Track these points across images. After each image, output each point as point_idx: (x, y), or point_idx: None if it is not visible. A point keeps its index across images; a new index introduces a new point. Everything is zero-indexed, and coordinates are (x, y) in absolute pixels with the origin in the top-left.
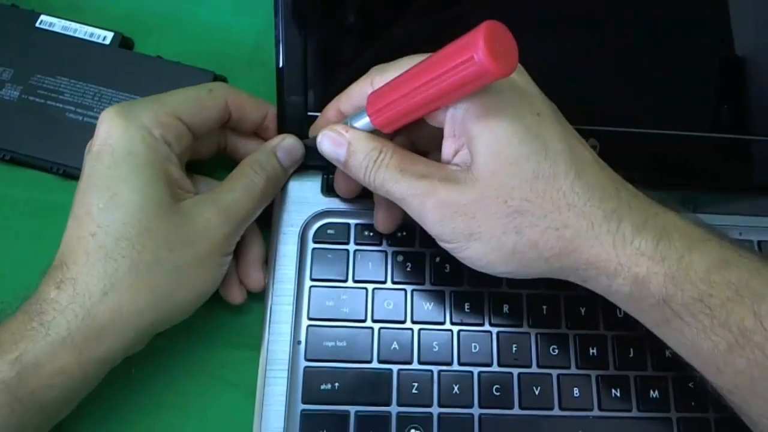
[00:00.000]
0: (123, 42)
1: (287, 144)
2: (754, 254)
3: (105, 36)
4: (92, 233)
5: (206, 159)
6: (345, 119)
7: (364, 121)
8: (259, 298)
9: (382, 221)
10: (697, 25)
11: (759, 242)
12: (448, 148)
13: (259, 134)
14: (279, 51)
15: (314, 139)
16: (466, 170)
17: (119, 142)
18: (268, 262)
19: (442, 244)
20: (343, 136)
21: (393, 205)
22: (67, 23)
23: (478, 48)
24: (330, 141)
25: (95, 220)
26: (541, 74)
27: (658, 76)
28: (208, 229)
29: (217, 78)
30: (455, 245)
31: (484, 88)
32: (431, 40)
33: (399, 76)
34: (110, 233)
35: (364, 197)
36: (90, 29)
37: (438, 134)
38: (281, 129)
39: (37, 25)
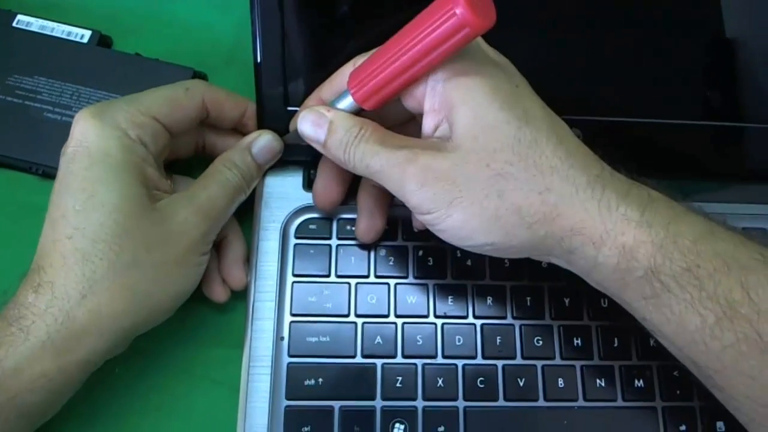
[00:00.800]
0: (101, 40)
1: (262, 140)
2: (735, 228)
3: (83, 34)
4: (68, 236)
5: (185, 158)
6: None
7: (345, 102)
8: (241, 295)
9: (364, 231)
10: (686, 10)
11: (744, 228)
12: (428, 124)
13: (238, 130)
14: (256, 46)
15: (295, 132)
16: (447, 140)
17: (95, 143)
18: (250, 258)
19: (422, 217)
20: (324, 116)
21: (375, 214)
22: (45, 22)
23: (458, 1)
24: (310, 122)
25: (71, 223)
26: (523, 63)
27: (644, 64)
28: (185, 229)
29: (196, 75)
30: (435, 215)
31: (463, 60)
32: None
33: (378, 48)
34: (87, 235)
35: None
36: (67, 28)
37: (419, 129)
38: (260, 124)
39: (13, 24)
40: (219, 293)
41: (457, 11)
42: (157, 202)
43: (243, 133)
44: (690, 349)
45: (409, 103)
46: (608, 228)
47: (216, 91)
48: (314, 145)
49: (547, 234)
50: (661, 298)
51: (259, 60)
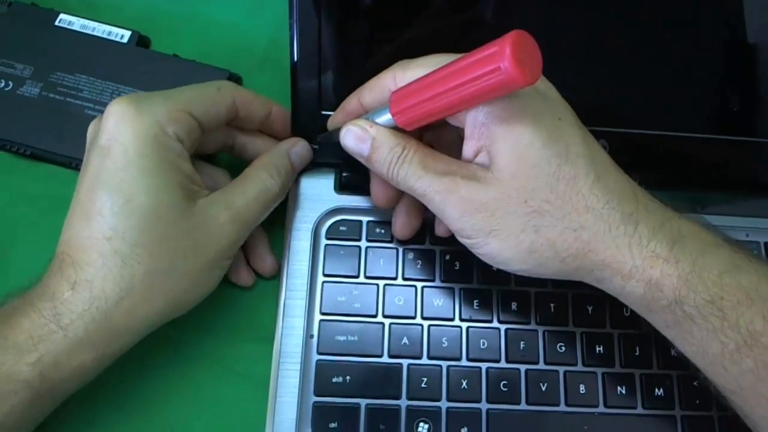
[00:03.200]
0: (140, 40)
1: (300, 147)
2: (762, 260)
3: (122, 35)
4: (107, 237)
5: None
6: (365, 112)
7: (385, 118)
8: (272, 292)
9: (400, 228)
10: (707, 27)
11: (766, 243)
12: (468, 149)
13: (263, 131)
14: (293, 48)
15: (331, 133)
16: (487, 169)
17: (132, 141)
18: (282, 257)
19: (462, 240)
20: (368, 132)
21: (412, 213)
22: (86, 22)
23: (505, 58)
24: (354, 136)
25: (108, 223)
26: (552, 76)
27: (667, 79)
28: (220, 236)
29: (232, 76)
30: (474, 241)
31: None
32: (450, 39)
33: (422, 78)
34: (126, 239)
35: None
36: (108, 28)
37: (457, 135)
38: (295, 126)
39: (56, 23)
40: (246, 278)
41: (503, 67)
42: (194, 202)
43: (268, 132)
44: (710, 371)
45: (451, 121)
46: (637, 263)
47: (245, 92)
48: (357, 158)
49: (578, 266)
50: (684, 326)
51: (295, 60)
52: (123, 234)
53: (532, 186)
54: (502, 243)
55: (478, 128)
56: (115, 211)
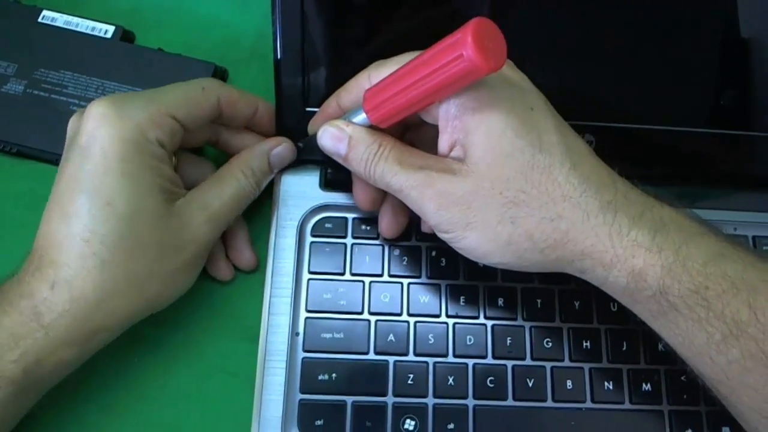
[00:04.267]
0: (124, 35)
1: (282, 149)
2: (748, 249)
3: (107, 30)
4: (85, 239)
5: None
6: (344, 114)
7: (362, 117)
8: (258, 290)
9: (387, 228)
10: (695, 19)
11: (754, 237)
12: (443, 144)
13: (249, 127)
14: (276, 45)
15: (312, 137)
16: (462, 162)
17: (112, 145)
18: (267, 255)
19: (441, 235)
20: (344, 131)
21: (397, 212)
22: (69, 18)
23: (467, 45)
24: (330, 136)
25: (87, 226)
26: (535, 70)
27: (653, 72)
28: (197, 237)
29: (217, 70)
30: (452, 235)
31: (477, 84)
32: (432, 34)
33: (392, 73)
34: (106, 243)
35: None
36: (92, 23)
37: (436, 133)
38: (279, 123)
39: (39, 20)
40: (225, 272)
41: (465, 54)
42: (172, 204)
43: (254, 129)
44: (696, 361)
45: (425, 117)
46: (618, 252)
47: (230, 90)
48: (335, 158)
49: (558, 257)
50: (669, 316)
51: (279, 57)
52: (101, 237)
53: (507, 176)
54: (479, 236)
55: (451, 121)
56: (94, 213)
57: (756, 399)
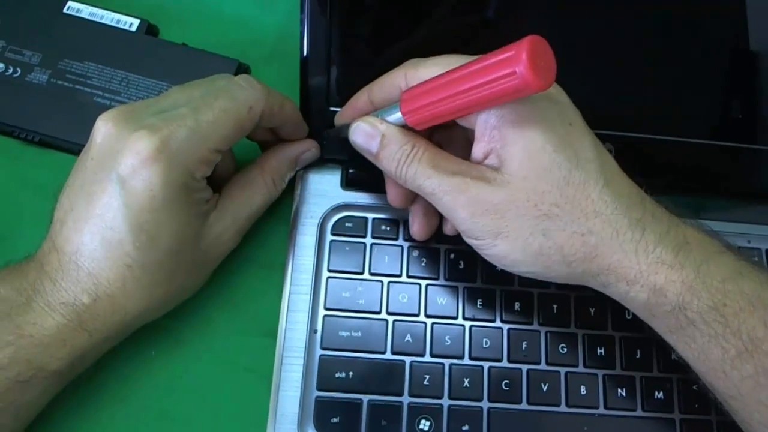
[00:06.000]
0: (149, 29)
1: (310, 155)
2: (763, 268)
3: (131, 23)
4: (127, 264)
5: None
6: (373, 109)
7: (395, 116)
8: (277, 287)
9: (418, 230)
10: (711, 34)
11: (767, 250)
12: (478, 151)
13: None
14: (303, 43)
15: (338, 129)
16: (497, 171)
17: (161, 189)
18: (288, 252)
19: (470, 241)
20: (377, 128)
21: (429, 214)
22: (94, 9)
23: (521, 62)
24: (363, 132)
25: (129, 254)
26: (559, 79)
27: (671, 84)
28: (226, 249)
29: (241, 66)
30: (482, 242)
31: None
32: (459, 39)
33: (434, 79)
34: (147, 270)
35: (381, 192)
36: (116, 16)
37: (466, 136)
38: (303, 116)
39: (64, 11)
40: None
41: (518, 71)
42: (206, 222)
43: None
44: (710, 376)
45: (461, 121)
46: (642, 269)
47: (271, 104)
48: (366, 155)
49: (584, 271)
50: (686, 331)
51: (305, 55)
52: (143, 266)
53: (543, 189)
54: (510, 245)
55: (489, 131)
56: (138, 246)
57: (767, 415)
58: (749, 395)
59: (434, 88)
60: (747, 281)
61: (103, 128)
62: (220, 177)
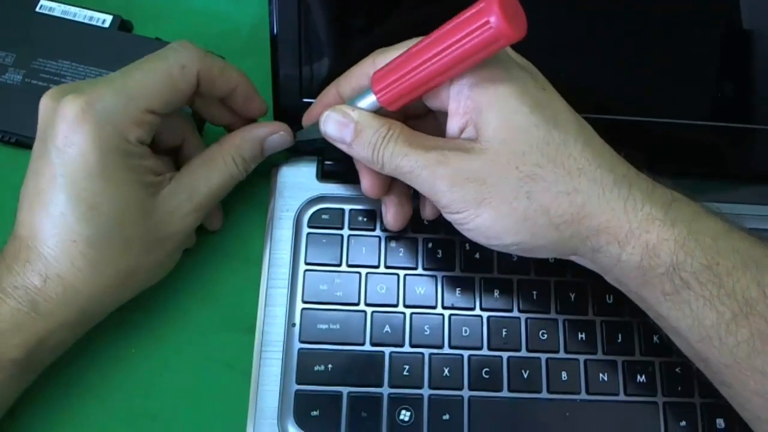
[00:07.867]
0: (122, 25)
1: (278, 138)
2: (747, 229)
3: (104, 19)
4: (72, 239)
5: None
6: (343, 104)
7: (367, 101)
8: (254, 281)
9: (393, 219)
10: (702, 12)
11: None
12: (453, 126)
13: (225, 103)
14: (273, 32)
15: (309, 130)
16: (475, 141)
17: (92, 152)
18: (264, 246)
19: (451, 216)
20: (349, 116)
21: (403, 202)
22: (67, 7)
23: (493, 13)
24: (334, 122)
25: (73, 228)
26: (542, 62)
27: (662, 65)
28: (183, 227)
29: None
30: (464, 214)
31: (490, 63)
32: (435, 27)
33: (404, 52)
34: (92, 244)
35: (358, 182)
36: (89, 13)
37: (439, 124)
38: (276, 112)
39: (37, 9)
40: (216, 224)
41: (492, 21)
42: (157, 195)
43: (229, 105)
44: (704, 344)
45: (432, 103)
46: (633, 227)
47: (210, 65)
48: (338, 146)
49: (573, 234)
50: (681, 295)
51: (275, 46)
52: (88, 239)
53: (523, 150)
54: (494, 213)
55: (463, 101)
56: (78, 218)
57: (763, 383)
58: (744, 361)
59: (405, 60)
60: (737, 239)
61: (42, 105)
62: (186, 159)
